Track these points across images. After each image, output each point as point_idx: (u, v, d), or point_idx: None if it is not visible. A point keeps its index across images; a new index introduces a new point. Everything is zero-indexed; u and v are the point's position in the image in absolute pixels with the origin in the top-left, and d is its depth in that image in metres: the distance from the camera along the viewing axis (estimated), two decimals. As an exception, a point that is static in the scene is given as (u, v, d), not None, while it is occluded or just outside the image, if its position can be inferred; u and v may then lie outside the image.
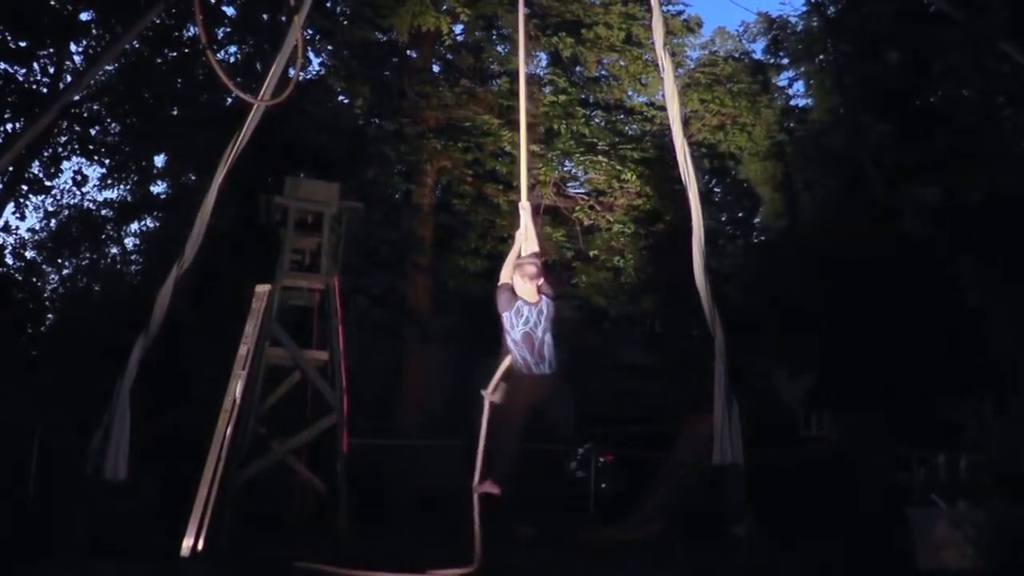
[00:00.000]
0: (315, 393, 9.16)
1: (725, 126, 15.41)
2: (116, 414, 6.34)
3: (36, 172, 15.17)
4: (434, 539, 7.70)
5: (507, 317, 5.53)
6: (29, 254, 17.52)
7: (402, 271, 14.67)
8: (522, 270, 5.56)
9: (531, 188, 14.64)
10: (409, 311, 14.42)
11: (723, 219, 20.48)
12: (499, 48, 15.25)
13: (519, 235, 6.01)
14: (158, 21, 13.10)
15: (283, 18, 11.01)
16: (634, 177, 14.67)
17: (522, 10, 6.89)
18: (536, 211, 15.05)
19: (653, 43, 6.91)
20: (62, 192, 17.39)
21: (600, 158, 14.56)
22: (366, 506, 8.92)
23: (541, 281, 5.60)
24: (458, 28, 15.19)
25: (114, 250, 19.43)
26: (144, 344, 6.58)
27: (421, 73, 14.87)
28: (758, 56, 18.07)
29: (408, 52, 15.38)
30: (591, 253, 14.86)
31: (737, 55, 17.52)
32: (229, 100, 13.88)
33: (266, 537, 8.29)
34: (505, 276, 5.72)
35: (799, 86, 18.41)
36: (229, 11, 15.52)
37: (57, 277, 19.17)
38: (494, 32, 15.34)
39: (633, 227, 14.69)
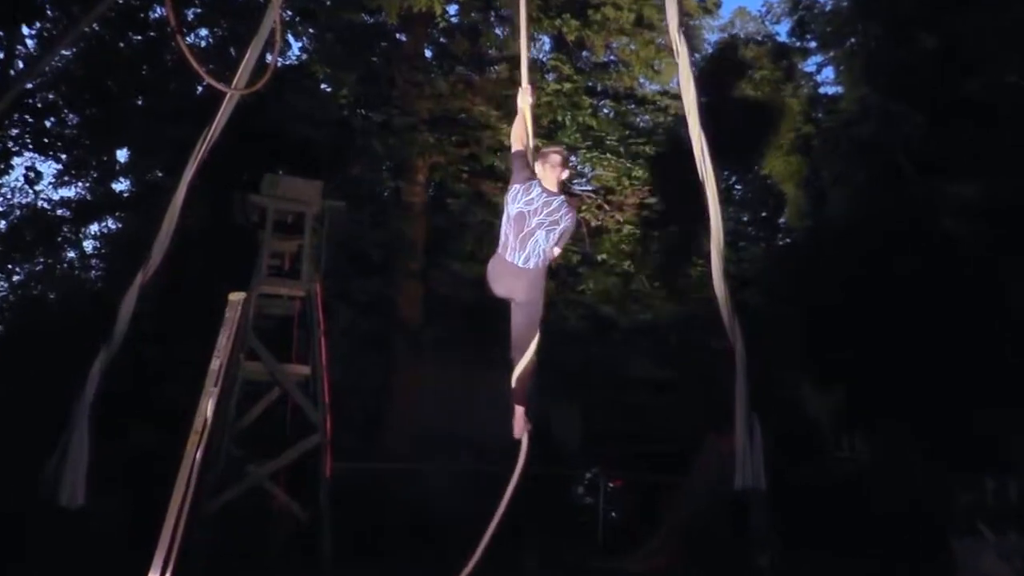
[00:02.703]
0: (295, 411, 9.15)
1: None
2: (74, 434, 6.31)
3: (-16, 169, 15.20)
4: (426, 570, 7.67)
5: (516, 189, 5.59)
6: (-23, 259, 17.47)
7: (391, 277, 14.66)
8: (546, 158, 5.65)
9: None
10: (398, 320, 14.40)
11: (745, 219, 20.52)
12: (498, 31, 15.24)
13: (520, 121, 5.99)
14: (121, 1, 13.10)
15: (259, -2, 11.04)
16: (646, 174, 14.72)
17: None
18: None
19: (666, 25, 6.91)
20: (13, 191, 17.35)
21: (608, 155, 14.57)
22: (352, 535, 8.90)
23: (566, 174, 5.65)
24: (452, 9, 15.21)
25: (71, 254, 19.39)
26: (106, 357, 6.55)
27: (412, 59, 14.88)
28: (783, 39, 18.14)
29: (398, 36, 15.40)
30: (599, 257, 14.87)
31: (759, 38, 17.56)
32: (200, 89, 13.88)
33: (242, 571, 8.26)
34: (518, 141, 5.77)
35: (828, 72, 18.43)
36: (200, -10, 15.53)
37: (7, 284, 19.16)
38: (492, 13, 15.33)
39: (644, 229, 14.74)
